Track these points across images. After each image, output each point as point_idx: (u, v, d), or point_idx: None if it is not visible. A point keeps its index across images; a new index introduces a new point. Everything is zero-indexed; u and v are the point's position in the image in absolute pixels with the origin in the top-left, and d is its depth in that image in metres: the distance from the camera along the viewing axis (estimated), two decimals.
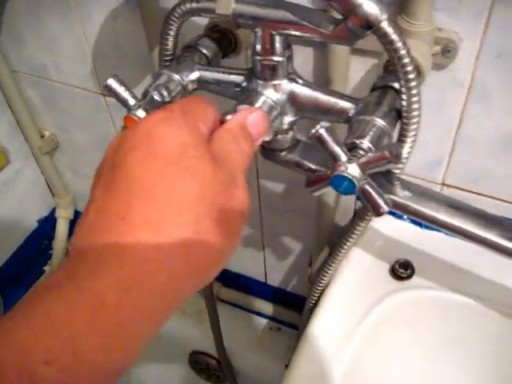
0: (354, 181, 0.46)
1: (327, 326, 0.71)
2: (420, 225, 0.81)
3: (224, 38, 0.66)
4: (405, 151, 0.54)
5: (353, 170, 0.46)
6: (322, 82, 0.68)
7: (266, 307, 1.20)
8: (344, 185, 0.47)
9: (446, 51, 0.61)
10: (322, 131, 0.45)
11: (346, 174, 0.46)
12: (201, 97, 0.44)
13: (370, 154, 0.46)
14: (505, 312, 0.72)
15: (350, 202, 0.88)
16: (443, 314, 0.74)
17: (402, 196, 0.54)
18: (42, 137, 1.18)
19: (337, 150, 0.45)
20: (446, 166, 0.73)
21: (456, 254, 0.77)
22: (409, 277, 0.75)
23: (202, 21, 0.68)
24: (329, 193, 0.80)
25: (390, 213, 0.81)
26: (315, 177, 0.50)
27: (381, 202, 0.48)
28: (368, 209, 0.49)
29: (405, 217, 0.80)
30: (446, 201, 0.54)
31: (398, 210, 0.55)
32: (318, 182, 0.50)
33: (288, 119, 0.56)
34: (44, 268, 1.40)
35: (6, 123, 1.15)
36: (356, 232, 0.68)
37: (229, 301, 1.26)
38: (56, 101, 1.08)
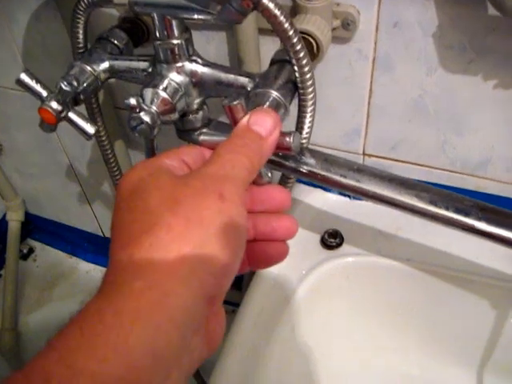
0: None
1: (261, 299, 0.74)
2: (349, 196, 0.84)
3: (135, 28, 0.68)
4: (307, 121, 0.57)
5: None
6: (236, 63, 0.71)
7: None
8: None
9: (346, 25, 0.64)
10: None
11: None
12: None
13: None
14: (431, 271, 0.75)
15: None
16: (373, 279, 0.78)
17: (309, 164, 0.57)
18: None
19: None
20: (364, 137, 0.76)
21: (382, 220, 0.80)
22: (338, 245, 0.78)
23: (116, 12, 0.70)
24: None
25: (319, 186, 0.85)
26: None
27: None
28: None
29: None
30: (348, 165, 0.57)
31: (307, 178, 0.58)
32: None
33: (195, 99, 0.58)
34: (0, 272, 1.41)
35: None
36: None
37: None
38: None
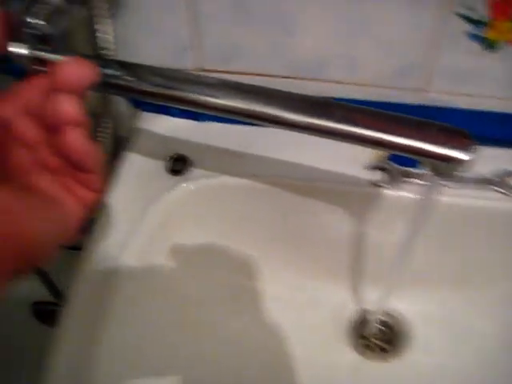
0: None
1: (110, 239, 0.68)
2: (196, 119, 0.79)
3: None
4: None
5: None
6: None
7: None
8: None
9: None
10: None
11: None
12: None
13: None
14: (281, 184, 0.73)
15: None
16: (225, 199, 0.74)
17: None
18: None
19: None
20: (199, 50, 0.71)
21: (231, 140, 0.76)
22: (185, 170, 0.73)
23: None
24: None
25: (163, 112, 0.79)
26: None
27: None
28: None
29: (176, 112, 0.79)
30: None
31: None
32: None
33: None
34: None
35: None
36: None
37: None
38: None
